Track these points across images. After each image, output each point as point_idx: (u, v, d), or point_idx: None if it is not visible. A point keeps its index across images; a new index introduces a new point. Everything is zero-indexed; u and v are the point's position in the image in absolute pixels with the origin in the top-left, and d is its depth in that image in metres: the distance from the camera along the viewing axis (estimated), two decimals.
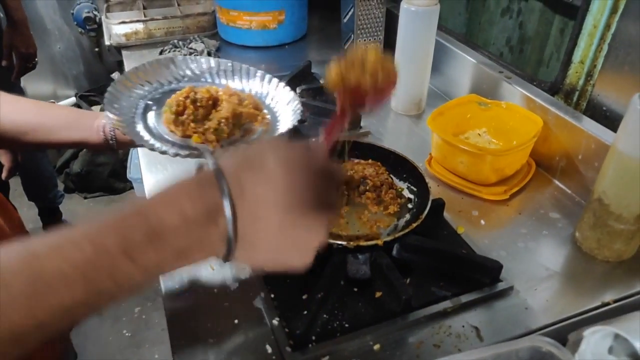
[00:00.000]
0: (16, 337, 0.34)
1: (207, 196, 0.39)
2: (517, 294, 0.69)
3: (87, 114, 0.74)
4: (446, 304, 0.67)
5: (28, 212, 2.17)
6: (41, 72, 2.41)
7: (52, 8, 2.39)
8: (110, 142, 0.73)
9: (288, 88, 0.85)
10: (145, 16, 1.48)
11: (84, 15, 2.35)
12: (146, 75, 0.81)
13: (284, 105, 0.83)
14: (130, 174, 1.92)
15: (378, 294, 0.68)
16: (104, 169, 2.39)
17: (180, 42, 1.37)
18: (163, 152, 0.68)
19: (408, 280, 0.70)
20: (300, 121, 1.07)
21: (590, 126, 0.83)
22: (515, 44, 1.53)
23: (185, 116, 0.73)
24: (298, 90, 1.12)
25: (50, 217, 2.14)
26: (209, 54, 1.34)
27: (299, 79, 1.20)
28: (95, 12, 2.34)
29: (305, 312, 0.63)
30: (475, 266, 0.70)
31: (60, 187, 2.30)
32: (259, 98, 0.84)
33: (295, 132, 0.99)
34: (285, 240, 0.42)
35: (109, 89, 0.74)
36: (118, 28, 1.41)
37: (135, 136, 0.70)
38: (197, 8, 1.55)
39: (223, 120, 0.73)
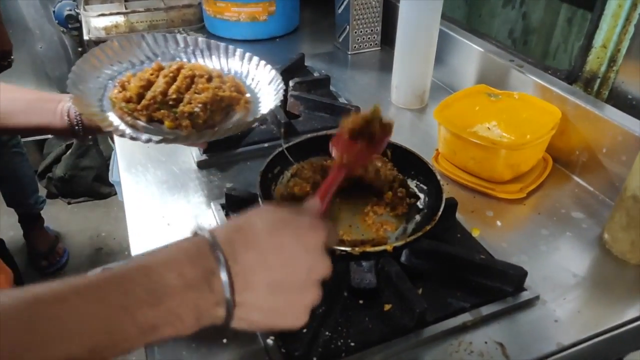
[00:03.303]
0: None
1: (203, 262, 0.39)
2: (544, 305, 0.61)
3: (50, 96, 0.66)
4: (465, 317, 0.59)
5: (8, 219, 2.07)
6: (23, 73, 2.31)
7: (32, 6, 2.30)
8: (76, 127, 0.64)
9: (269, 67, 0.77)
10: (126, 8, 1.39)
11: (66, 13, 2.25)
12: (116, 55, 0.72)
13: (265, 85, 0.75)
14: (113, 177, 1.83)
15: (387, 307, 0.60)
16: (88, 173, 2.29)
17: None
18: (133, 139, 0.61)
19: (420, 291, 0.62)
20: (294, 116, 0.99)
21: (616, 116, 0.75)
22: (518, 35, 1.46)
23: (149, 98, 0.65)
24: (291, 83, 1.04)
25: (31, 223, 2.03)
26: None
27: (292, 72, 1.12)
28: (77, 10, 2.25)
29: (305, 330, 0.55)
30: (496, 273, 0.62)
31: (43, 192, 2.20)
32: (239, 78, 0.76)
33: (289, 129, 0.92)
34: (277, 301, 0.42)
35: (73, 68, 0.65)
36: (97, 21, 1.33)
37: (102, 121, 0.61)
38: (182, 0, 1.46)
39: (200, 106, 0.65)
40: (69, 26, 2.29)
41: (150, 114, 0.65)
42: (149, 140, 0.60)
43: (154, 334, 0.37)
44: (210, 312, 0.39)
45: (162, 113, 0.65)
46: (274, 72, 0.76)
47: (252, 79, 0.77)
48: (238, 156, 0.88)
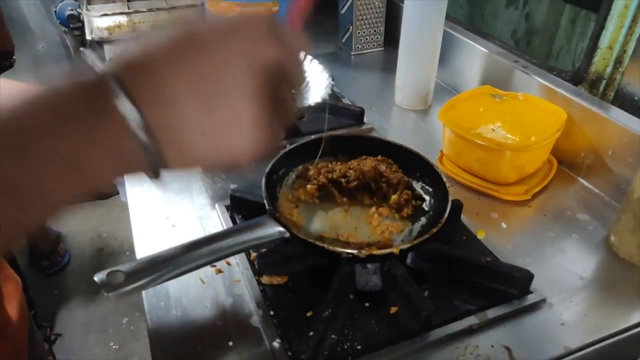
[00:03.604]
0: None
1: (92, 96, 0.31)
2: (550, 308, 0.61)
3: None
4: (471, 320, 0.58)
5: None
6: (24, 73, 2.30)
7: (34, 6, 2.29)
8: None
9: (316, 62, 0.76)
10: (128, 8, 1.38)
11: (68, 13, 2.24)
12: None
13: (313, 78, 0.74)
14: None
15: (393, 310, 0.59)
16: None
17: None
18: None
19: (426, 293, 0.62)
20: (299, 117, 0.99)
21: (622, 118, 0.75)
22: (521, 36, 1.45)
23: None
24: None
25: None
26: None
27: None
28: (79, 10, 2.24)
29: (311, 333, 0.54)
30: (502, 276, 0.62)
31: None
32: None
33: (293, 130, 0.91)
34: (219, 116, 0.33)
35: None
36: (100, 21, 1.32)
37: None
38: (185, 0, 1.46)
39: None
40: (71, 26, 2.29)
41: None
42: None
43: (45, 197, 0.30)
44: (124, 152, 0.32)
45: None
46: (320, 66, 0.75)
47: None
48: None
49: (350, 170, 0.72)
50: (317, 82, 0.72)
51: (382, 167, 0.71)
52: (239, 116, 0.33)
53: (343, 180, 0.71)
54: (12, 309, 0.69)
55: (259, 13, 0.36)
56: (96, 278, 0.45)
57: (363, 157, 0.75)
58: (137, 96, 0.31)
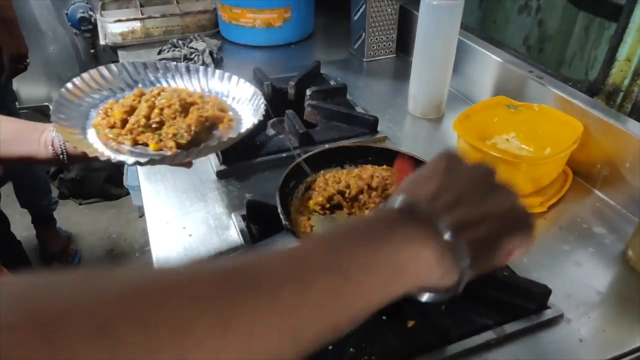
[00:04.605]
0: None
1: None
2: (568, 323, 0.61)
3: (32, 126, 0.65)
4: (489, 335, 0.58)
5: (21, 219, 2.08)
6: (35, 75, 2.32)
7: (46, 8, 2.30)
8: (61, 156, 0.64)
9: (248, 84, 0.77)
10: (142, 14, 1.39)
11: (79, 15, 2.26)
12: (96, 83, 0.73)
13: (246, 103, 0.75)
14: (127, 181, 1.84)
15: (410, 323, 0.60)
16: (99, 174, 2.31)
17: (180, 42, 1.28)
18: (120, 163, 0.62)
19: (443, 307, 0.62)
20: (312, 125, 0.99)
21: (639, 130, 0.75)
22: (533, 43, 1.45)
23: (133, 123, 0.66)
24: (308, 92, 1.04)
25: (44, 224, 2.05)
26: (210, 54, 1.25)
27: (308, 80, 1.11)
28: (91, 12, 2.26)
29: (330, 347, 0.55)
30: (520, 290, 0.62)
31: (55, 193, 2.21)
32: (220, 98, 0.77)
33: (306, 139, 0.92)
34: (493, 220, 0.38)
35: (55, 98, 0.66)
36: (114, 27, 1.33)
37: (87, 147, 0.62)
38: (197, 5, 1.46)
39: (184, 127, 0.66)
40: (82, 28, 2.31)
41: (134, 138, 0.66)
42: (136, 163, 0.61)
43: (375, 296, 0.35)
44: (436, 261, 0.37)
45: (146, 136, 0.66)
46: (253, 88, 0.76)
47: (233, 98, 0.77)
48: (256, 166, 0.88)
49: (353, 179, 0.73)
50: (249, 107, 0.74)
51: (384, 174, 0.72)
52: (513, 211, 0.41)
53: (347, 190, 0.72)
54: None
55: None
56: None
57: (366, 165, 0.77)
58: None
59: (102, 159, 0.61)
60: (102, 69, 0.74)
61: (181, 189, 0.83)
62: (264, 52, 1.39)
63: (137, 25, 1.35)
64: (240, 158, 0.88)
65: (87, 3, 2.26)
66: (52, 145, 0.64)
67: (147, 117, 0.67)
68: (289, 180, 0.73)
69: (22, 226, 2.07)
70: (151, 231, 0.75)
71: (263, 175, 0.87)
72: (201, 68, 0.79)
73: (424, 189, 0.40)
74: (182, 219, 0.77)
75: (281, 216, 0.63)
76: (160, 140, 0.66)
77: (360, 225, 0.38)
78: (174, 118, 0.67)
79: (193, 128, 0.66)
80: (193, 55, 1.24)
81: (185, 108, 0.69)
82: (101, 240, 2.19)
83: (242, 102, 0.76)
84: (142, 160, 0.61)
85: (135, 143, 0.66)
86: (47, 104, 2.38)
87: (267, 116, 0.83)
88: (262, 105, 0.72)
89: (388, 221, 0.38)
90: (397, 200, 0.39)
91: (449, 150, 0.44)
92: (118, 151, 0.65)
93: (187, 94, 0.72)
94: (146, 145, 0.66)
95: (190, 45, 1.27)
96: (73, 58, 2.46)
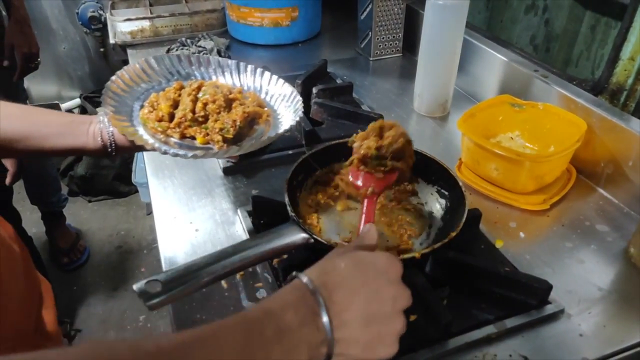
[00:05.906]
0: None
1: (308, 304, 0.43)
2: (568, 318, 0.62)
3: (81, 119, 0.67)
4: (490, 329, 0.59)
5: (31, 215, 2.11)
6: (45, 73, 2.35)
7: (57, 7, 2.33)
8: (109, 148, 0.66)
9: (282, 81, 0.79)
10: (151, 13, 1.41)
11: (89, 14, 2.29)
12: (138, 76, 0.76)
13: (283, 100, 0.78)
14: (136, 179, 1.86)
15: (412, 317, 0.60)
16: (108, 172, 2.33)
17: (189, 40, 1.30)
18: (165, 153, 0.64)
19: (445, 301, 0.63)
20: (318, 123, 1.00)
21: None
22: (540, 42, 1.45)
23: (181, 116, 0.69)
24: (315, 90, 1.05)
25: (54, 221, 2.07)
26: (218, 52, 1.27)
27: (315, 78, 1.13)
28: (101, 12, 2.29)
29: None
30: (521, 286, 0.62)
31: (64, 190, 2.24)
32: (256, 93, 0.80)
33: (312, 136, 0.93)
34: (370, 334, 0.44)
35: (103, 90, 0.69)
36: (123, 26, 1.35)
37: (138, 139, 0.64)
38: (206, 5, 1.48)
39: (230, 122, 0.68)
40: (92, 27, 2.34)
41: (182, 131, 0.69)
42: (177, 155, 0.64)
43: None
44: (319, 349, 0.42)
45: (193, 130, 0.68)
46: (290, 88, 0.78)
47: (266, 93, 0.80)
48: (263, 163, 0.90)
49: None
50: (288, 105, 0.76)
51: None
52: (388, 335, 0.45)
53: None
54: (48, 314, 0.72)
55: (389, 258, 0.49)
56: (135, 287, 0.47)
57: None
58: (330, 312, 0.42)
59: (149, 148, 0.64)
60: (144, 62, 0.76)
61: (188, 185, 0.85)
62: (271, 50, 1.40)
63: (146, 24, 1.36)
64: (247, 155, 0.89)
65: (97, 2, 2.29)
66: (101, 137, 0.66)
67: (192, 111, 0.69)
68: (298, 174, 0.74)
69: (32, 223, 2.09)
70: (159, 226, 0.76)
71: (269, 171, 0.89)
72: (233, 62, 0.81)
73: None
74: (189, 215, 0.78)
75: (288, 207, 0.64)
76: (207, 134, 0.68)
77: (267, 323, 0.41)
78: (219, 113, 0.69)
79: (238, 123, 0.69)
80: (201, 53, 1.25)
81: (227, 103, 0.71)
82: (110, 237, 2.22)
83: (277, 99, 0.79)
84: (189, 153, 0.64)
85: (182, 136, 0.69)
86: (57, 102, 2.40)
87: None
88: (301, 105, 0.75)
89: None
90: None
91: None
92: (166, 143, 0.68)
93: (228, 89, 0.74)
94: (192, 138, 0.69)
95: (199, 44, 1.29)
96: (83, 56, 2.49)
